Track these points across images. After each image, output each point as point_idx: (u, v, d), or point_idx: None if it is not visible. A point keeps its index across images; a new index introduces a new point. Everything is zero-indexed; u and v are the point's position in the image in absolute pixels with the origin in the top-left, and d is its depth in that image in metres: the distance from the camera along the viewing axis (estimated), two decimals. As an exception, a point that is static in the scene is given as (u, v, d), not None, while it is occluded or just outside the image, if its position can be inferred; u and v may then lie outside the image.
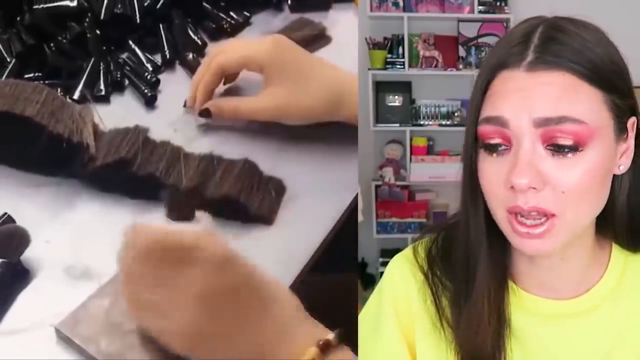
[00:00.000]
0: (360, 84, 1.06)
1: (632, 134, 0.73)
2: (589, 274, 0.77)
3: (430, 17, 2.95)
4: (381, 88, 2.93)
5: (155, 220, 1.06)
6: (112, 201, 1.13)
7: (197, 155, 1.15)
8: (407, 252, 0.84)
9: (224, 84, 1.27)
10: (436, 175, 2.88)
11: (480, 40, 2.96)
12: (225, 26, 1.45)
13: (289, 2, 1.52)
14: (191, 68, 1.34)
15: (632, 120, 0.73)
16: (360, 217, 0.83)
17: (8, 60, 1.32)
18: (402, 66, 2.89)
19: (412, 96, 2.95)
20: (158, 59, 1.37)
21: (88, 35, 1.35)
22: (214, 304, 0.84)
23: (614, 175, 0.74)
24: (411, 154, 2.92)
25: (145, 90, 1.29)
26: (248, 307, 0.85)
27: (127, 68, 1.33)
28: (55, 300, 1.01)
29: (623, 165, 0.73)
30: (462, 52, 2.96)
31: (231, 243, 1.03)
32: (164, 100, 1.31)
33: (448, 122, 2.95)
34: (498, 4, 2.93)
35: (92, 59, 1.31)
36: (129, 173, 1.11)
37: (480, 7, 2.93)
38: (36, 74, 1.31)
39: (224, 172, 1.12)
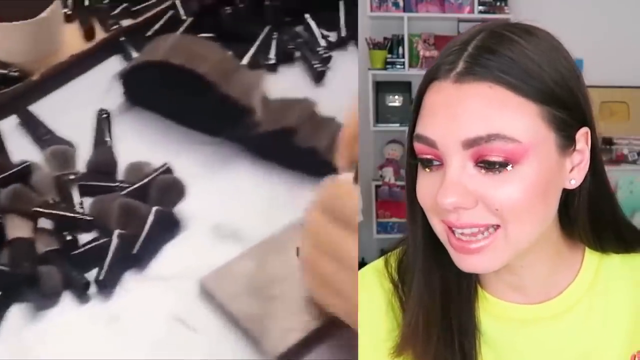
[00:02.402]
0: (360, 84, 1.02)
1: (585, 146, 0.69)
2: (559, 277, 0.74)
3: (430, 17, 2.91)
4: (381, 88, 2.92)
5: (307, 195, 1.06)
6: (269, 169, 1.14)
7: (359, 136, 1.14)
8: (378, 262, 0.81)
9: None
10: (436, 175, 2.88)
11: None
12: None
13: None
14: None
15: (583, 131, 0.68)
16: (360, 217, 0.81)
17: (184, 18, 1.34)
18: (402, 66, 2.87)
19: (412, 96, 2.90)
20: (333, 36, 1.37)
21: (266, 2, 1.36)
22: None
23: (572, 189, 0.70)
24: (411, 154, 2.90)
25: (315, 65, 1.29)
26: None
27: (300, 40, 1.34)
28: (201, 255, 1.03)
29: (575, 179, 0.69)
30: None
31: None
32: (333, 77, 1.30)
33: (448, 123, 2.94)
34: (498, 4, 2.90)
35: (268, 27, 1.32)
36: (291, 144, 1.11)
37: (480, 7, 2.89)
38: (210, 35, 1.33)
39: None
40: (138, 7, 1.40)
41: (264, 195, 1.07)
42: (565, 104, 0.66)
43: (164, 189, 1.06)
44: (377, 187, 2.89)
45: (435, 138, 0.65)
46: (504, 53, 0.65)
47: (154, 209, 1.04)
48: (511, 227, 0.65)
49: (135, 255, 1.01)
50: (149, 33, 1.35)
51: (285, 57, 1.32)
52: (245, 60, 1.28)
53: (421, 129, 0.67)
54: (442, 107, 0.65)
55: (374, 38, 2.85)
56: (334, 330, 0.94)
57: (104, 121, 1.21)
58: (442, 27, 2.93)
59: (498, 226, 0.65)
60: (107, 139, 1.18)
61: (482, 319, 0.74)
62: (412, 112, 0.70)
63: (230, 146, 1.17)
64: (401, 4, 2.85)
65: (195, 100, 1.15)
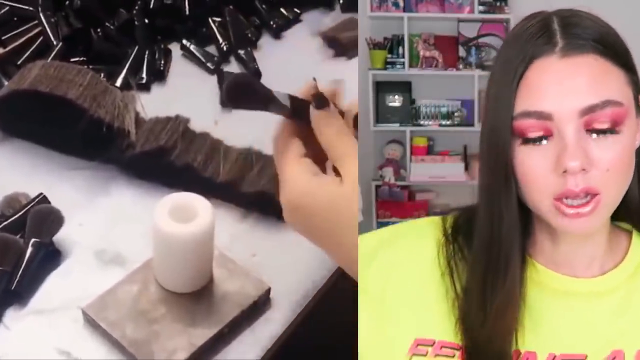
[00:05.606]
0: (360, 84, 1.03)
1: None
2: (606, 257, 0.78)
3: (430, 17, 2.91)
4: (381, 88, 2.92)
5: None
6: (147, 189, 1.13)
7: (236, 149, 1.14)
8: (436, 217, 0.82)
9: None
10: (436, 175, 2.87)
11: (480, 40, 2.91)
12: (272, 23, 1.44)
13: (341, 1, 1.50)
14: (245, 63, 1.35)
15: None
16: (360, 217, 0.80)
17: (54, 43, 1.32)
18: (402, 66, 2.88)
19: (412, 96, 2.94)
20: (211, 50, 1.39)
21: (136, 22, 1.35)
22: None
23: None
24: (411, 154, 2.91)
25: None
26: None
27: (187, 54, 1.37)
28: (84, 283, 1.01)
29: (638, 140, 0.75)
30: (462, 52, 2.92)
31: (250, 261, 1.04)
32: (206, 92, 1.30)
33: (448, 122, 2.93)
34: (498, 4, 2.90)
35: (137, 47, 1.31)
36: (167, 162, 1.11)
37: (481, 7, 2.89)
38: (81, 59, 1.31)
39: (261, 168, 1.12)
40: (7, 35, 1.36)
41: (143, 216, 1.05)
42: (635, 70, 0.73)
43: (40, 220, 1.04)
44: (377, 187, 2.88)
45: (551, 110, 0.69)
46: (591, 27, 0.72)
47: (32, 241, 1.02)
48: (612, 189, 0.71)
49: (15, 291, 0.99)
50: (20, 61, 1.32)
51: (157, 76, 1.31)
52: (118, 82, 1.27)
53: (531, 105, 0.71)
54: (554, 82, 0.70)
55: (374, 38, 2.85)
56: (221, 346, 0.95)
57: (-24, 156, 1.18)
58: (442, 27, 2.94)
59: (598, 193, 0.70)
60: (-19, 173, 1.16)
61: (528, 287, 0.76)
62: (502, 96, 0.72)
63: (107, 169, 1.16)
64: (401, 4, 2.85)
65: (68, 125, 1.13)
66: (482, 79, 2.88)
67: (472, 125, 2.94)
